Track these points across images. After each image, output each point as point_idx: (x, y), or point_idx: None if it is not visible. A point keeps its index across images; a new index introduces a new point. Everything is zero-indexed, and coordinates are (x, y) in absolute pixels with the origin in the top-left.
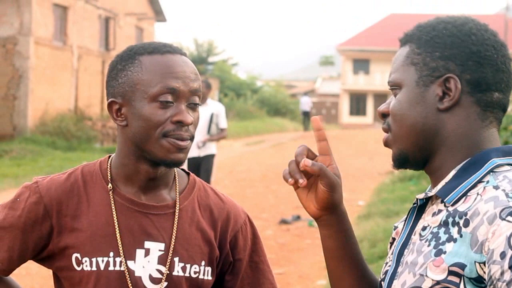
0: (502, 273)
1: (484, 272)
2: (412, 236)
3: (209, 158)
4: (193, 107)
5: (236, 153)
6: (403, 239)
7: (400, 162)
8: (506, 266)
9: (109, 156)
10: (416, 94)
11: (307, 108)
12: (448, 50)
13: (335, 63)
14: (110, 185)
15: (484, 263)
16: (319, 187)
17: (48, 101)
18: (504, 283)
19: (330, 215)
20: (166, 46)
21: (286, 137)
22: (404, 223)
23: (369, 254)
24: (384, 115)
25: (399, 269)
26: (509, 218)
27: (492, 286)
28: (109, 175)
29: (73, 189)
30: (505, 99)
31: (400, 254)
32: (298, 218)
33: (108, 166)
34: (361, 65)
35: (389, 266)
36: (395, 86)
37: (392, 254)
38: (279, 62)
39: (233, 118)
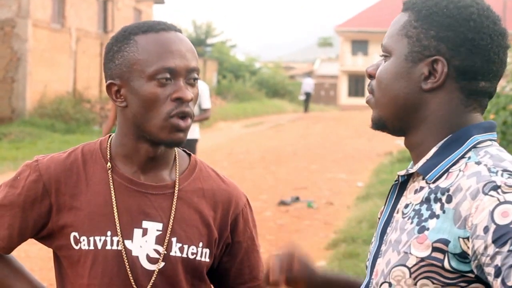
0: (485, 248)
1: (468, 247)
2: (395, 214)
3: (191, 143)
4: (192, 83)
5: (235, 134)
6: (386, 217)
7: (378, 126)
8: (489, 240)
9: (110, 136)
10: (403, 68)
11: (309, 90)
12: (444, 32)
13: (334, 45)
14: (109, 164)
15: (467, 238)
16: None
17: (47, 84)
18: (488, 257)
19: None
20: (161, 24)
21: (285, 119)
22: (386, 201)
23: (368, 235)
24: (371, 76)
25: (383, 248)
26: (492, 192)
27: (476, 261)
28: (108, 154)
29: (73, 167)
30: (491, 87)
31: (383, 233)
32: (297, 199)
33: (108, 145)
34: (359, 46)
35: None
36: (386, 53)
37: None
38: (277, 43)
39: (231, 99)
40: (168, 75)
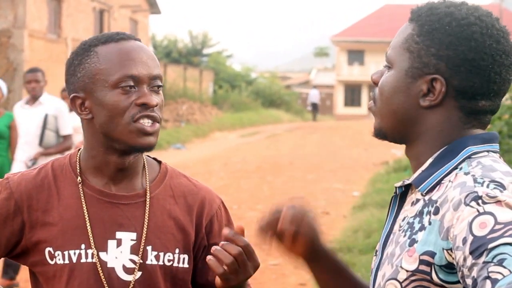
0: (464, 259)
1: (453, 258)
2: (394, 227)
3: None
4: (156, 90)
5: (231, 144)
6: (387, 230)
7: (379, 135)
8: (467, 251)
9: (79, 150)
10: (403, 83)
11: (315, 100)
12: (444, 50)
13: (330, 54)
14: (79, 178)
15: (451, 249)
16: (298, 238)
17: None
18: (466, 269)
19: (313, 254)
20: (119, 34)
21: (281, 129)
22: (388, 213)
23: (364, 245)
24: (375, 83)
25: (382, 260)
26: (472, 203)
27: (460, 272)
28: (78, 168)
29: (43, 183)
30: (493, 105)
31: (385, 245)
32: None
33: (77, 159)
34: (355, 56)
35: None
36: (388, 63)
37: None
38: (273, 53)
39: (227, 109)
40: (131, 83)
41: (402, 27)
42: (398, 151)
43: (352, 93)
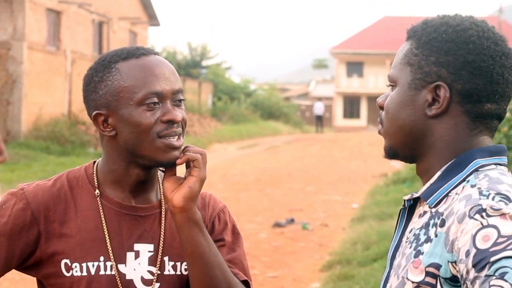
0: (467, 272)
1: (457, 271)
2: (403, 239)
3: None
4: (178, 104)
5: (229, 156)
6: (396, 242)
7: (390, 155)
8: (470, 264)
9: (94, 162)
10: (408, 97)
11: (320, 113)
12: (443, 57)
13: (329, 66)
14: (97, 191)
15: (455, 262)
16: None
17: (42, 106)
18: (469, 282)
19: None
20: (139, 49)
21: (280, 140)
22: (396, 226)
23: (363, 257)
24: (381, 107)
25: (390, 272)
26: (476, 216)
27: (464, 285)
28: (95, 180)
29: (60, 194)
30: (499, 109)
31: (393, 258)
32: (292, 221)
33: (94, 172)
34: (354, 68)
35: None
36: (391, 82)
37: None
38: (272, 65)
39: (226, 121)
40: (155, 99)
41: (400, 46)
42: (397, 163)
43: (351, 105)
